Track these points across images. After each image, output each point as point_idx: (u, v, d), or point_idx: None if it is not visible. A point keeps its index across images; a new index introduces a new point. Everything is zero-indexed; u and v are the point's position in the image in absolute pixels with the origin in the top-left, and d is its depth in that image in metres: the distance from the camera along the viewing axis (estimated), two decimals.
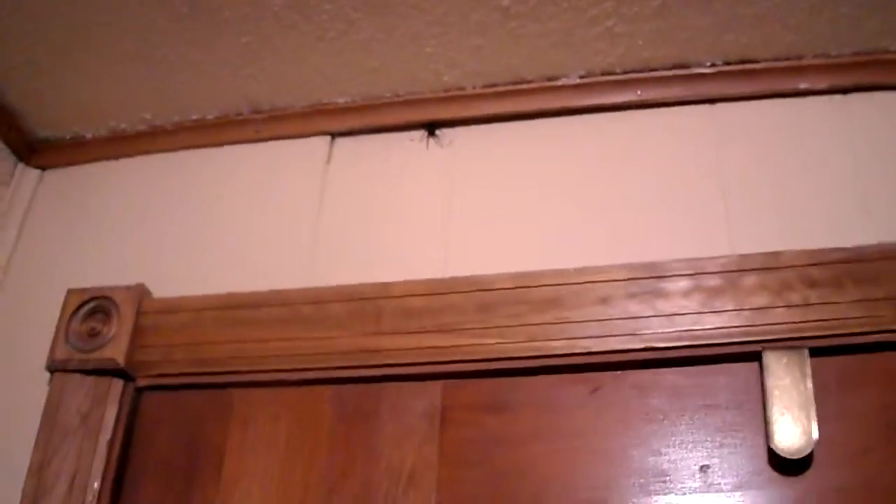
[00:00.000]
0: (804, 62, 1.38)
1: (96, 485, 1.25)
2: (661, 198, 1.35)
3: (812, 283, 1.19)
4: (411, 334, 1.27)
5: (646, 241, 1.32)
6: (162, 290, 1.39)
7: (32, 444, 1.28)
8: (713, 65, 1.40)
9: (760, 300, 1.19)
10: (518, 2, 1.30)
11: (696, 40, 1.36)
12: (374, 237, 1.41)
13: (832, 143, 1.35)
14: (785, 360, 1.16)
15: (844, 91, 1.38)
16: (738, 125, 1.39)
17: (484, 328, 1.25)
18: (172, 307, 1.36)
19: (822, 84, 1.38)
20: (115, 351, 1.32)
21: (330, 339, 1.28)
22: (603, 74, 1.43)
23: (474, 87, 1.46)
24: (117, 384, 1.32)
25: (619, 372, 1.23)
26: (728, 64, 1.40)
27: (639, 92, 1.42)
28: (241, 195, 1.50)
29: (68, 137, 1.60)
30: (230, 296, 1.35)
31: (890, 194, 1.29)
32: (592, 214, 1.36)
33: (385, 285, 1.31)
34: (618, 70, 1.42)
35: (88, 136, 1.60)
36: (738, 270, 1.22)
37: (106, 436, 1.28)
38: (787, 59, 1.39)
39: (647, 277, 1.24)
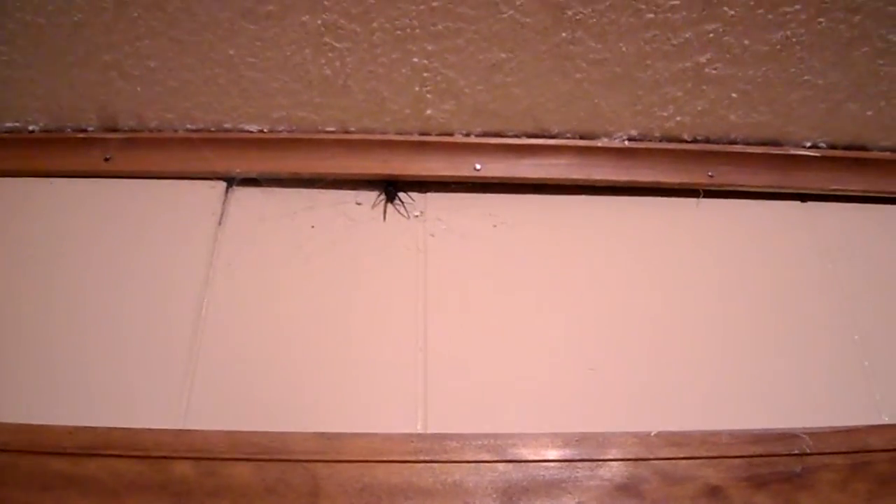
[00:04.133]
0: None
1: None
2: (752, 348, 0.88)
3: None
4: None
5: (752, 399, 0.84)
6: None
7: None
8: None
9: None
10: None
11: None
12: (288, 358, 0.85)
13: None
14: None
15: None
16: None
17: None
18: None
19: None
20: None
21: None
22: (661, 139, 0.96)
23: (468, 131, 0.95)
24: None
25: None
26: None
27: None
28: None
29: None
30: (43, 430, 0.75)
31: None
32: (651, 356, 0.87)
33: (328, 440, 0.74)
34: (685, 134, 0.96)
35: None
36: None
37: None
38: None
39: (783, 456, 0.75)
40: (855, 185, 0.98)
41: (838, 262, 0.94)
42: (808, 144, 0.98)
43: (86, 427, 0.75)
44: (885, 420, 0.82)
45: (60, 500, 0.72)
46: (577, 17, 0.84)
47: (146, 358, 0.83)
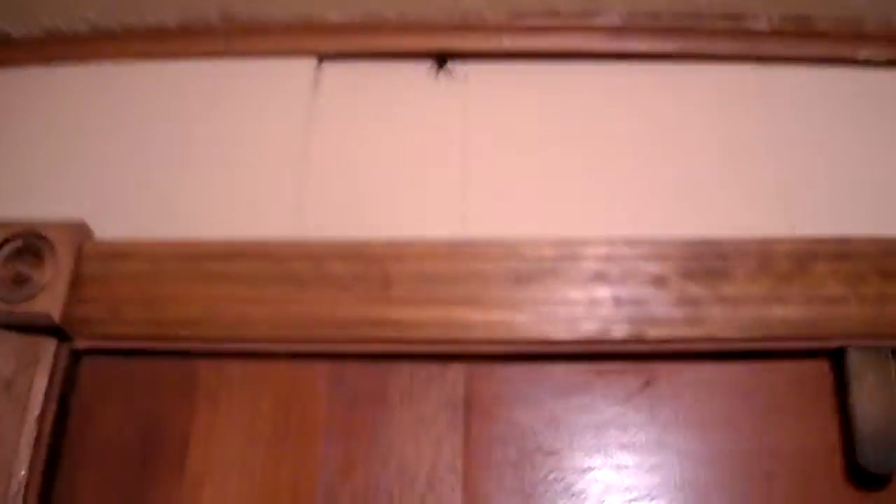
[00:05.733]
0: (865, 29, 1.24)
1: (23, 473, 0.98)
2: (709, 166, 1.19)
3: (887, 275, 1.05)
4: (429, 304, 1.04)
5: (700, 215, 1.15)
6: (108, 229, 1.12)
7: None
8: (769, 20, 1.23)
9: (835, 290, 1.04)
10: None
11: None
12: (373, 183, 1.19)
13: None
14: (869, 360, 1.02)
15: None
16: (790, 90, 1.24)
17: (518, 303, 1.04)
18: (122, 252, 1.09)
19: (883, 55, 1.24)
20: (49, 303, 1.04)
21: (328, 303, 1.04)
22: (647, 17, 1.24)
23: (497, 16, 1.24)
24: (50, 344, 1.05)
25: (675, 364, 1.06)
26: (785, 20, 1.23)
27: (682, 42, 1.24)
28: (209, 120, 1.24)
29: None
30: (199, 243, 1.09)
31: None
32: (629, 177, 1.18)
33: (396, 244, 1.08)
34: (664, 14, 1.23)
35: (15, 33, 1.30)
36: (808, 255, 1.06)
37: (35, 409, 1.01)
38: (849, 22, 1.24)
39: (710, 256, 1.06)
40: (802, 50, 1.25)
41: (779, 104, 1.22)
42: (764, 19, 1.24)
43: (229, 240, 1.09)
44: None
45: (215, 287, 1.05)
46: None
47: (269, 183, 1.17)
